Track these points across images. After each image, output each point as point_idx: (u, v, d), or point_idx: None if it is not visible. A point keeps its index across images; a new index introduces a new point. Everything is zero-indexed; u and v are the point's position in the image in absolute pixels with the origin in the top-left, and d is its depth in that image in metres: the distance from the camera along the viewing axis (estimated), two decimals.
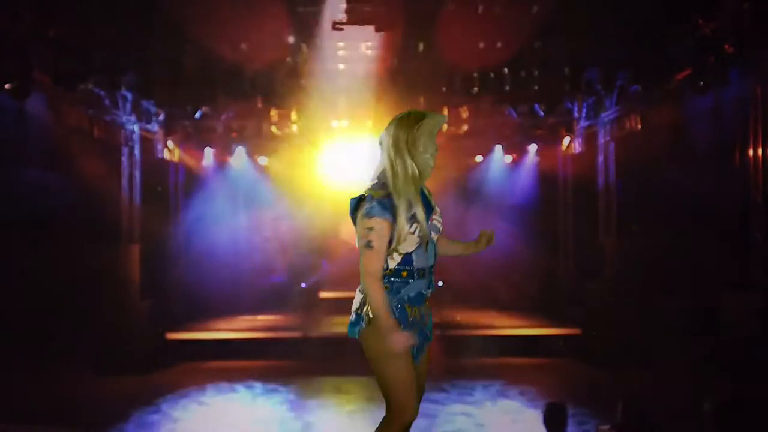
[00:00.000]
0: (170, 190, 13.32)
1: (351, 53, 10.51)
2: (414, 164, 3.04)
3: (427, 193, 3.20)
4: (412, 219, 3.01)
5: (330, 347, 10.98)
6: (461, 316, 12.26)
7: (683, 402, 7.32)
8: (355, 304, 3.13)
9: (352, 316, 3.12)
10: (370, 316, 3.02)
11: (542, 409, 7.44)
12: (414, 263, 3.07)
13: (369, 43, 10.23)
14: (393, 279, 3.06)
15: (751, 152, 8.40)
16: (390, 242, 3.00)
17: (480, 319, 12.47)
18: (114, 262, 10.91)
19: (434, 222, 3.16)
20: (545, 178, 13.90)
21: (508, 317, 12.68)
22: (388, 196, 3.02)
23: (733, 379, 7.38)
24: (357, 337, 3.11)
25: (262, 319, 12.93)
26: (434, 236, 3.15)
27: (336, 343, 10.96)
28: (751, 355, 7.57)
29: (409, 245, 3.03)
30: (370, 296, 3.01)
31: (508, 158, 14.34)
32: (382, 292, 3.00)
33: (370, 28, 9.44)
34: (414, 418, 3.07)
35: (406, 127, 3.05)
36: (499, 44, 9.92)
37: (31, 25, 8.05)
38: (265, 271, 14.38)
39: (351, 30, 9.47)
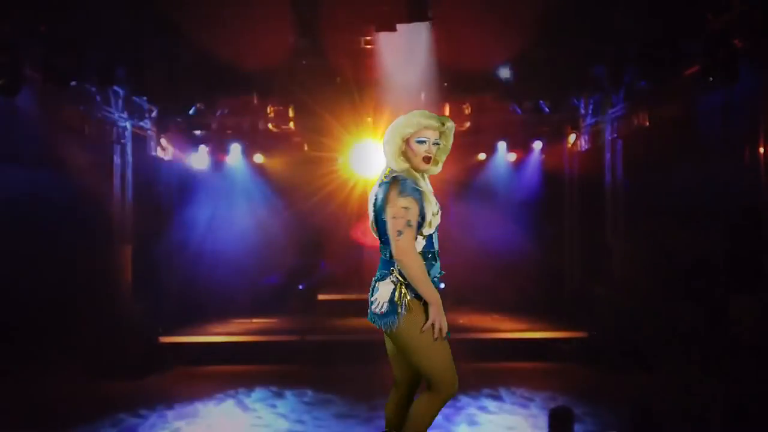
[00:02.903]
0: (163, 189, 13.07)
1: (351, 48, 10.30)
2: (397, 151, 3.14)
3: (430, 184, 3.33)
4: (435, 200, 3.13)
5: (328, 351, 10.79)
6: (464, 319, 12.06)
7: (692, 406, 7.19)
8: (384, 296, 3.10)
9: (382, 308, 3.08)
10: (407, 302, 3.06)
11: (548, 415, 7.25)
12: (434, 245, 3.15)
13: (369, 38, 10.02)
14: (423, 259, 3.10)
15: (761, 149, 8.29)
16: (420, 224, 3.07)
17: (483, 322, 12.26)
18: (106, 264, 10.76)
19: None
20: (550, 177, 13.69)
21: (512, 320, 12.49)
22: (414, 179, 3.10)
23: (744, 381, 7.28)
24: (393, 328, 3.07)
25: (258, 322, 12.72)
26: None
27: (334, 347, 10.82)
28: (763, 356, 7.40)
29: (431, 227, 3.10)
30: (416, 275, 3.03)
31: (512, 156, 14.12)
32: (424, 266, 3.06)
33: (371, 23, 9.26)
34: (457, 384, 3.13)
35: (403, 123, 3.16)
36: (503, 39, 9.72)
37: (22, 21, 7.93)
38: (261, 272, 14.13)
39: (351, 24, 9.30)
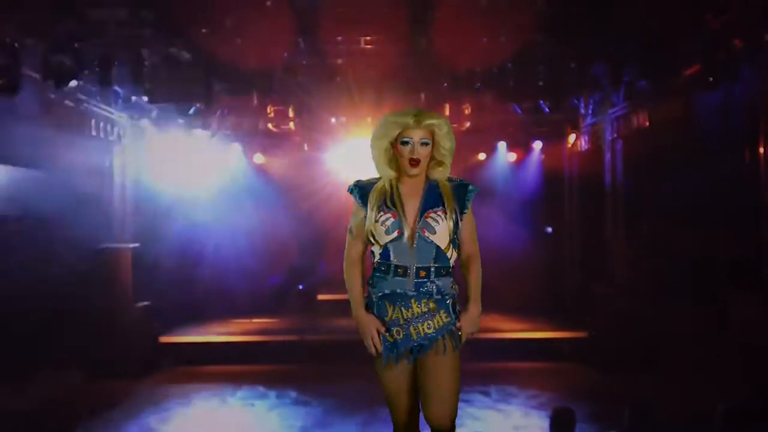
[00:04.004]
0: (163, 189, 13.02)
1: (351, 48, 10.28)
2: (382, 156, 2.94)
3: (442, 189, 2.98)
4: (385, 207, 2.88)
5: (327, 351, 10.78)
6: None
7: (692, 407, 7.17)
8: None
9: None
10: None
11: (549, 415, 7.23)
12: (391, 257, 2.89)
13: (369, 38, 10.00)
14: (376, 272, 2.96)
15: (761, 149, 8.25)
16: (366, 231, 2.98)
17: (484, 322, 12.13)
18: (106, 264, 10.68)
19: (428, 219, 2.91)
20: (550, 177, 13.67)
21: (512, 320, 12.44)
22: (373, 183, 2.97)
23: (744, 382, 7.26)
24: None
25: (258, 321, 12.70)
26: (428, 235, 2.90)
27: (334, 347, 10.75)
28: (763, 357, 7.35)
29: (380, 236, 2.88)
30: (345, 280, 3.00)
31: (512, 156, 14.11)
32: (353, 275, 2.97)
33: (371, 23, 9.24)
34: (402, 420, 2.99)
35: (380, 124, 2.98)
36: (503, 38, 9.70)
37: (21, 20, 7.89)
38: (262, 272, 14.12)
39: (351, 24, 9.27)
